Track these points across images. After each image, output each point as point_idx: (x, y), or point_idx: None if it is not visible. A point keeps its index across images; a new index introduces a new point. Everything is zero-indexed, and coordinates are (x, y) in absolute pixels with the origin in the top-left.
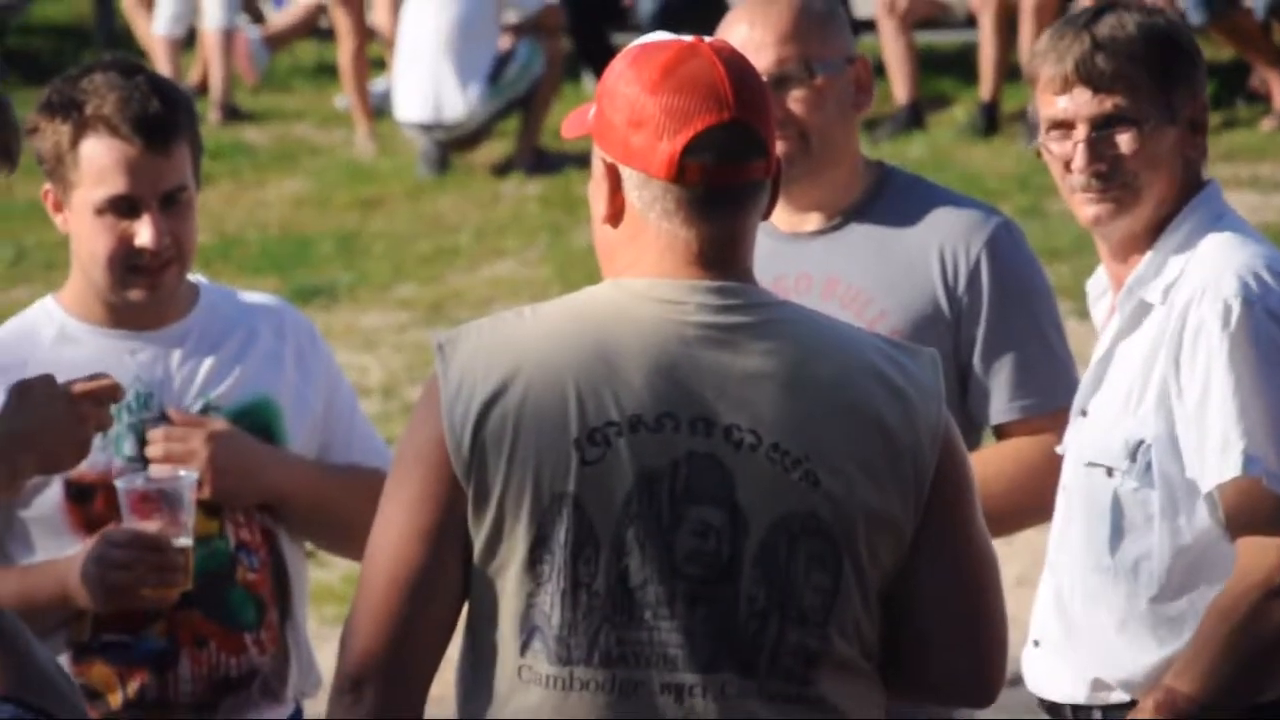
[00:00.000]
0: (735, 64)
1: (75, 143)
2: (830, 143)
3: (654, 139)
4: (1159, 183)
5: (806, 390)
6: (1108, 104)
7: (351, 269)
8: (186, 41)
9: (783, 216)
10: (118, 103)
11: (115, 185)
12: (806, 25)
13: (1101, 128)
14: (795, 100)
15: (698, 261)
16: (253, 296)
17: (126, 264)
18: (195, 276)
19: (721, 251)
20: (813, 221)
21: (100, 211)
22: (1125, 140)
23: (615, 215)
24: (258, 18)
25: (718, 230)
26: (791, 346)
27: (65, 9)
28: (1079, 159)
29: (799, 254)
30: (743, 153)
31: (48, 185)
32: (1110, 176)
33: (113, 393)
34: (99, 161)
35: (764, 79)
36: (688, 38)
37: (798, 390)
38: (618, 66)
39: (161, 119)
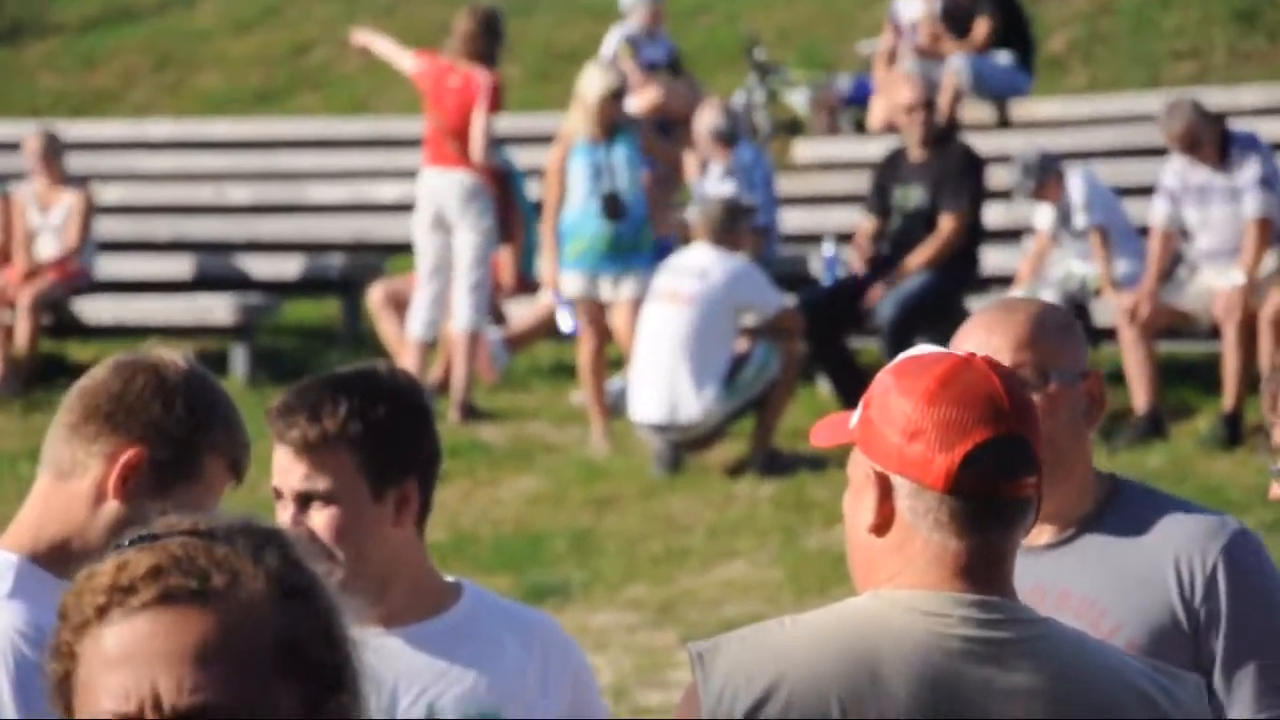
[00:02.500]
0: (1009, 378)
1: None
2: (1061, 452)
3: (931, 450)
4: None
5: (1072, 710)
6: None
7: (584, 567)
8: (432, 343)
9: None
10: (282, 404)
11: (272, 477)
12: (1043, 334)
13: None
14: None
15: (964, 574)
16: (516, 608)
17: None
18: (454, 578)
19: (989, 566)
20: (1045, 534)
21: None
22: None
23: (882, 524)
24: (499, 319)
25: (987, 544)
26: (1056, 665)
27: (315, 310)
28: None
29: (1032, 567)
30: (1019, 467)
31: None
32: None
33: None
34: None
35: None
36: (959, 351)
37: (1063, 710)
38: (887, 379)
39: (311, 424)
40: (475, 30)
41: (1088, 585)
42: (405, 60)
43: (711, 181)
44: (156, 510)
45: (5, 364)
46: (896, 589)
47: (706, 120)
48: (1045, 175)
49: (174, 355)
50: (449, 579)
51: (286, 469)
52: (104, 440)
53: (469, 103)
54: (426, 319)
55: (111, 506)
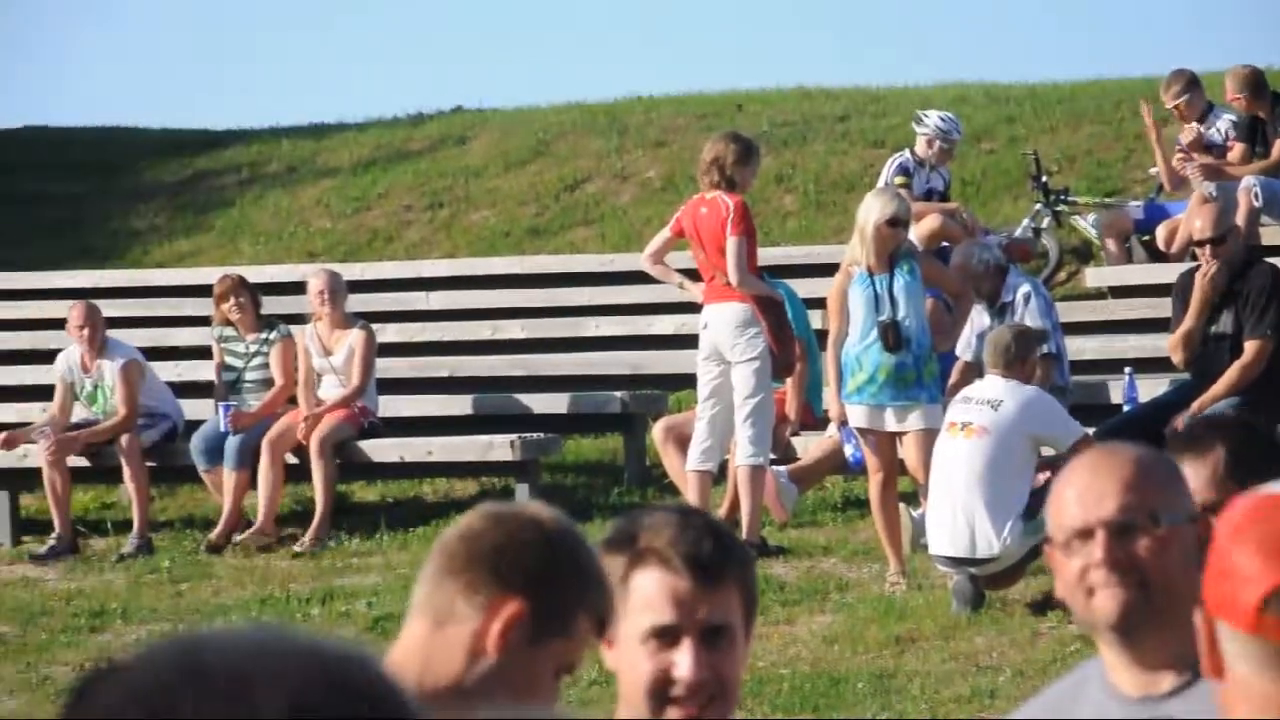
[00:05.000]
0: None
1: (627, 575)
2: (1174, 595)
3: (1235, 590)
4: None
5: None
6: None
7: (887, 709)
8: (716, 477)
9: (1130, 677)
10: (671, 538)
11: (660, 614)
12: (1150, 475)
13: None
14: (1138, 549)
15: None
16: None
17: (664, 695)
18: None
19: None
20: (1165, 681)
21: (644, 640)
22: None
23: (1215, 668)
24: (785, 453)
25: None
26: None
27: (597, 445)
28: None
29: (1156, 715)
30: None
31: None
32: None
33: None
34: (648, 591)
35: (1104, 529)
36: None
37: None
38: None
39: (712, 557)
40: (722, 157)
41: None
42: (692, 287)
43: (989, 313)
44: (528, 663)
45: (268, 508)
46: None
47: (977, 254)
48: None
49: (544, 507)
50: None
51: (683, 598)
52: (485, 591)
53: (720, 229)
54: (705, 451)
55: (489, 659)
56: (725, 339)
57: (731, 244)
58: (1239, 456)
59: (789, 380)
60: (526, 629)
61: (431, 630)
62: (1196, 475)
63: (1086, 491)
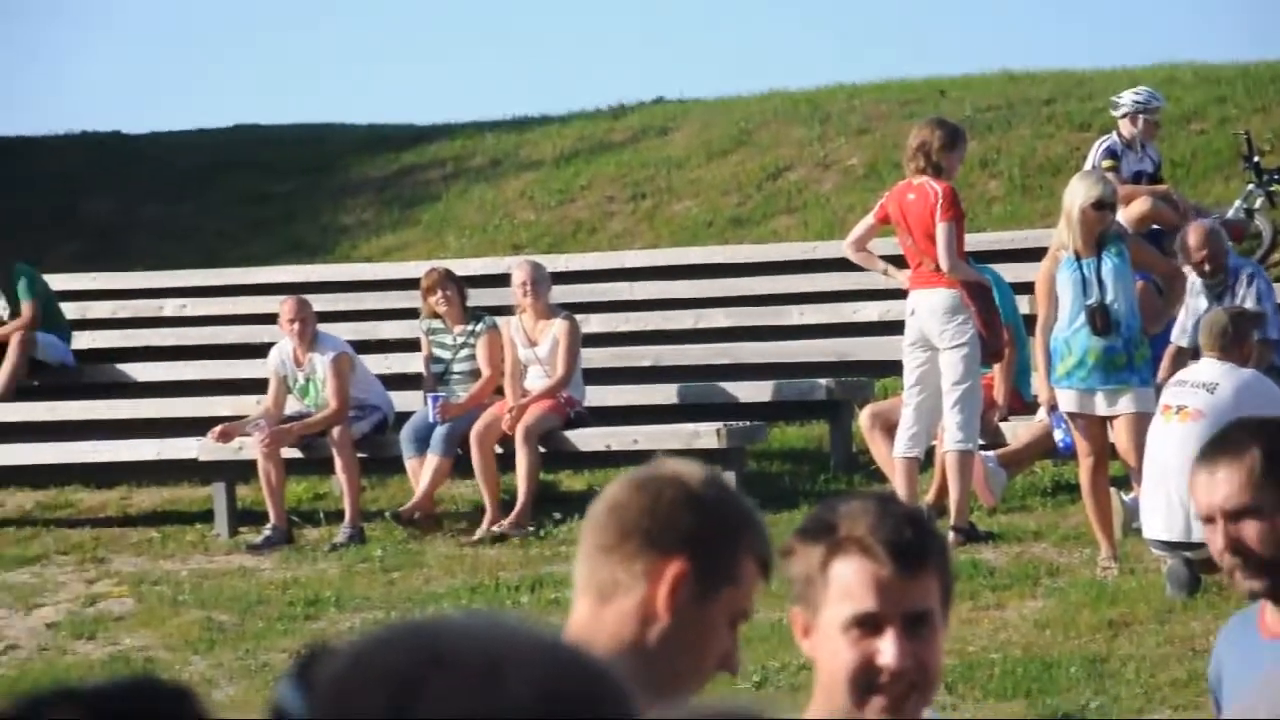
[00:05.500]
0: None
1: (826, 564)
2: None
3: None
4: None
5: None
6: None
7: (1101, 693)
8: (923, 463)
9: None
10: (871, 526)
11: (862, 603)
12: (1265, 470)
13: None
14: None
15: None
16: None
17: (867, 684)
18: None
19: None
20: None
21: (845, 629)
22: None
23: None
24: (994, 438)
25: None
26: None
27: (802, 433)
28: None
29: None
30: None
31: (796, 608)
32: None
33: None
34: (848, 580)
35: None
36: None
37: None
38: None
39: (913, 544)
40: (928, 143)
41: None
42: (897, 273)
43: (1205, 295)
44: (701, 618)
45: (489, 498)
46: None
47: (1193, 239)
48: None
49: (684, 463)
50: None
51: (885, 586)
52: (644, 559)
53: (928, 214)
54: (912, 437)
55: (661, 624)
56: (933, 325)
57: (941, 229)
58: (1276, 457)
59: (997, 366)
60: (692, 586)
61: (598, 607)
62: (1232, 479)
63: (1207, 485)
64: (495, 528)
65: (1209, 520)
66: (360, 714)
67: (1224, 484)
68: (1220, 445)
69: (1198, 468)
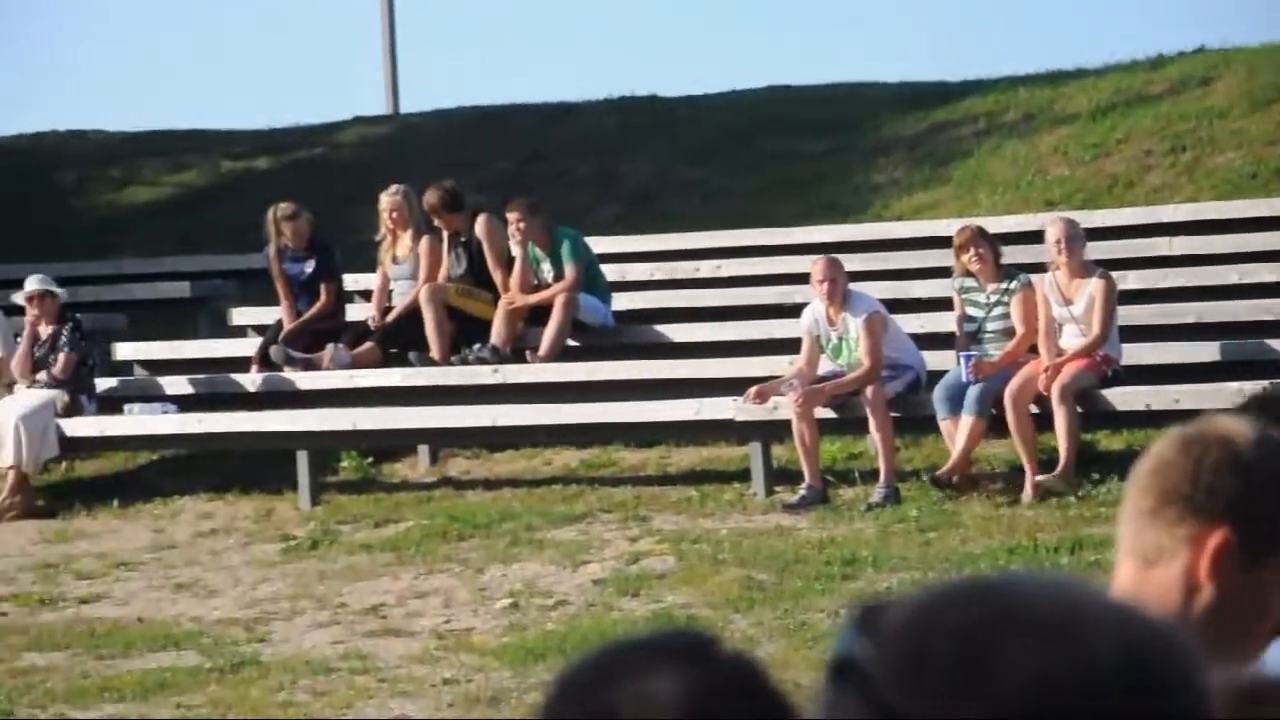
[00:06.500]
0: None
1: None
2: None
3: None
4: None
5: None
6: None
7: None
8: None
9: None
10: None
11: None
12: None
13: None
14: None
15: None
16: None
17: None
18: None
19: None
20: None
21: None
22: None
23: None
24: None
25: None
26: None
27: None
28: None
29: None
30: None
31: None
32: None
33: None
34: None
35: None
36: None
37: None
38: None
39: None
40: None
41: None
42: None
43: None
44: (1249, 589)
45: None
46: None
47: None
48: None
49: (1235, 422)
50: None
51: None
52: (1187, 524)
53: None
54: None
55: (1206, 593)
56: None
57: None
58: None
59: None
60: (1237, 556)
61: (1142, 571)
62: None
63: None
64: (1039, 478)
65: None
66: (933, 665)
67: None
68: None
69: None
